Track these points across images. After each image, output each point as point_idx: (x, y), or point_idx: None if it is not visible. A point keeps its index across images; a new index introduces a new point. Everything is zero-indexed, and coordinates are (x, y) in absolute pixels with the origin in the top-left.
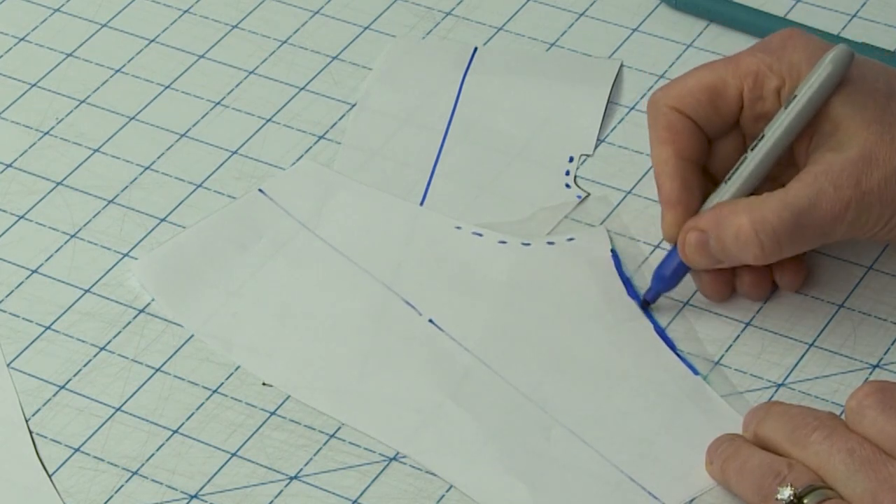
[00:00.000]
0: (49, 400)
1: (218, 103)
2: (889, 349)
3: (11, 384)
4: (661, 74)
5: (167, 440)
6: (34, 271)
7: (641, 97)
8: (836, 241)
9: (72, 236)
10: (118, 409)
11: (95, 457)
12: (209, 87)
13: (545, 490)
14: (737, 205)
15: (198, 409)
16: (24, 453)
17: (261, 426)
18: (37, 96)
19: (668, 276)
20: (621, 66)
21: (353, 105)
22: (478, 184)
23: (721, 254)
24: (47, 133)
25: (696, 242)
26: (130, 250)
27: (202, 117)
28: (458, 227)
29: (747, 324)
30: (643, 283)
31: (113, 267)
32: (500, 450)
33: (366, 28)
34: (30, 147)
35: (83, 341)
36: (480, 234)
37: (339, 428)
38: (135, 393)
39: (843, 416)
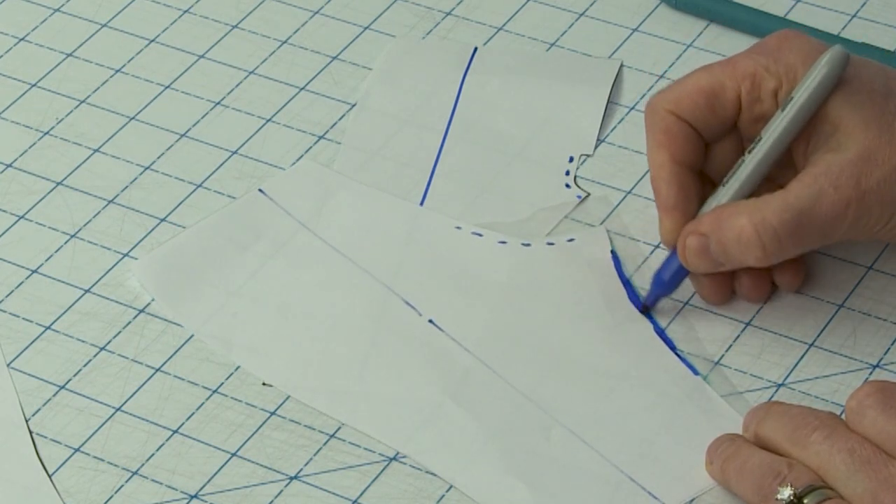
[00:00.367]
0: (49, 400)
1: (218, 103)
2: (889, 349)
3: (11, 384)
4: (661, 74)
5: (167, 440)
6: (34, 271)
7: (641, 97)
8: (836, 242)
9: (72, 236)
10: (118, 409)
11: (95, 457)
12: (209, 87)
13: (545, 490)
14: (737, 207)
15: (198, 409)
16: (24, 453)
17: (261, 426)
18: (37, 96)
19: (668, 280)
20: (621, 66)
21: (353, 105)
22: (478, 184)
23: (722, 257)
24: (47, 133)
25: (697, 246)
26: (130, 250)
27: (202, 117)
28: (458, 228)
29: (747, 324)
30: (643, 283)
31: (113, 267)
32: (500, 450)
33: (366, 28)
34: (30, 147)
35: (83, 341)
36: (480, 235)
37: (339, 428)
38: (135, 393)
39: (843, 416)
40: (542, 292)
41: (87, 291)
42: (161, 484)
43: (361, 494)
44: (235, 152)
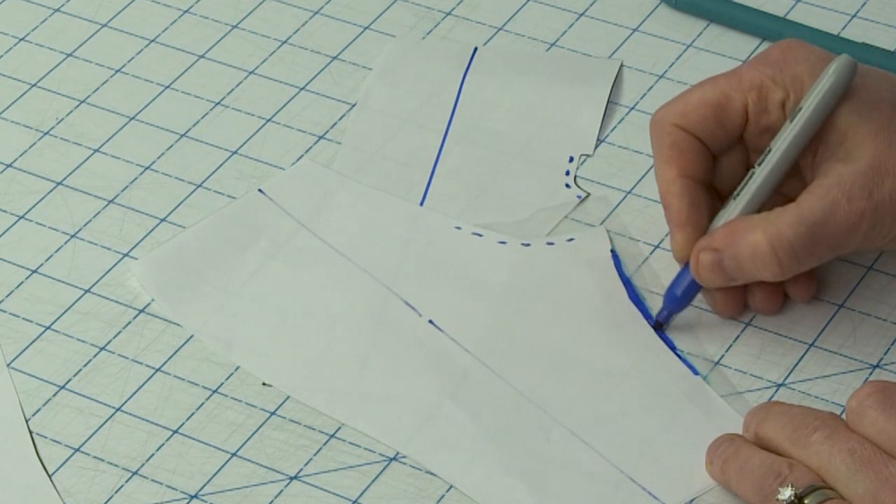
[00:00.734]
0: (49, 400)
1: (218, 103)
2: (889, 349)
3: (11, 384)
4: (661, 74)
5: (167, 440)
6: (34, 271)
7: (641, 97)
8: (849, 252)
9: (72, 236)
10: (118, 409)
11: (95, 457)
12: (209, 87)
13: (545, 490)
14: (750, 221)
15: (198, 409)
16: (24, 453)
17: (261, 426)
18: (37, 96)
19: (680, 296)
20: (621, 66)
21: (353, 105)
22: (478, 184)
23: (736, 272)
24: (47, 133)
25: (711, 262)
26: (130, 250)
27: (202, 117)
28: (458, 228)
29: (747, 324)
30: (643, 283)
31: (113, 267)
32: (500, 450)
33: (366, 28)
34: (30, 147)
35: (83, 341)
36: (480, 235)
37: (339, 428)
38: (135, 393)
39: (843, 416)
40: (542, 292)
41: (87, 291)
42: (161, 484)
43: (361, 494)
44: (235, 152)
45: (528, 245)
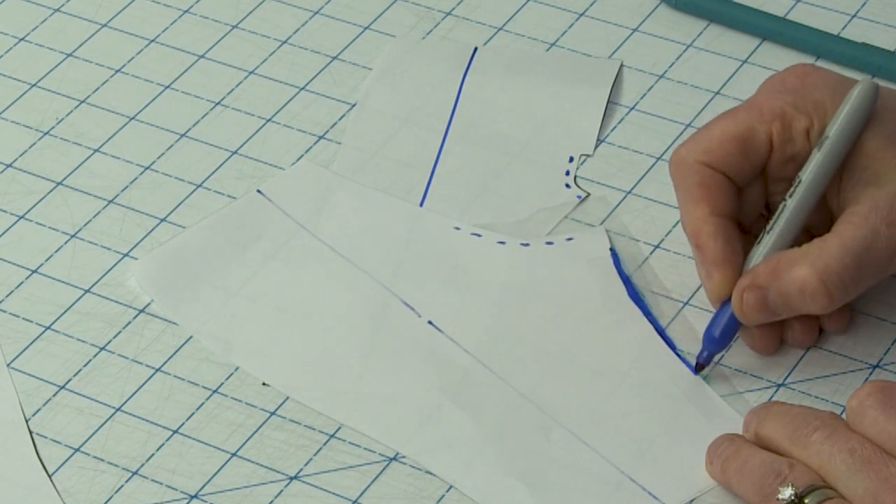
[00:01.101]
0: (49, 400)
1: (218, 103)
2: (889, 349)
3: (11, 384)
4: (661, 74)
5: (167, 440)
6: (34, 271)
7: (641, 97)
8: (887, 276)
9: (72, 236)
10: (118, 409)
11: (95, 457)
12: (209, 87)
13: (545, 490)
14: (793, 256)
15: (198, 409)
16: (24, 453)
17: (261, 426)
18: (37, 96)
19: (720, 336)
20: (621, 66)
21: (353, 105)
22: (478, 184)
23: (782, 308)
24: (47, 133)
25: (756, 301)
26: (130, 250)
27: (202, 117)
28: (457, 228)
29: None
30: (643, 282)
31: (113, 267)
32: (500, 450)
33: (366, 28)
34: (30, 147)
35: (83, 341)
36: (479, 235)
37: (339, 428)
38: (135, 393)
39: (844, 416)
40: (542, 292)
41: (87, 291)
42: (161, 484)
43: (361, 494)
44: (235, 152)
45: (527, 245)
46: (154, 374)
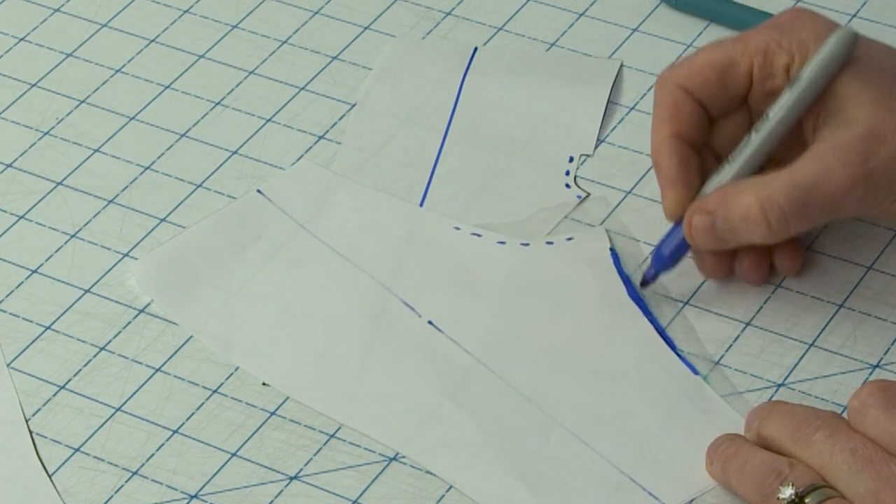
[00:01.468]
0: (49, 400)
1: (218, 103)
2: (889, 349)
3: (11, 384)
4: None
5: (167, 440)
6: (34, 271)
7: (641, 97)
8: (843, 218)
9: (72, 236)
10: (118, 409)
11: (95, 457)
12: (209, 87)
13: (545, 490)
14: (743, 184)
15: (198, 409)
16: (24, 453)
17: (261, 426)
18: (37, 96)
19: (668, 255)
20: (621, 66)
21: (353, 105)
22: (478, 184)
23: (728, 234)
24: (47, 133)
25: (703, 224)
26: (130, 250)
27: (202, 117)
28: (457, 228)
29: (747, 324)
30: None
31: (113, 267)
32: (500, 450)
33: (366, 28)
34: (30, 147)
35: (83, 341)
36: (479, 235)
37: (339, 428)
38: (135, 393)
39: (845, 416)
40: (542, 292)
41: (87, 291)
42: (161, 484)
43: (361, 494)
44: (235, 152)
45: (527, 245)
46: (154, 374)
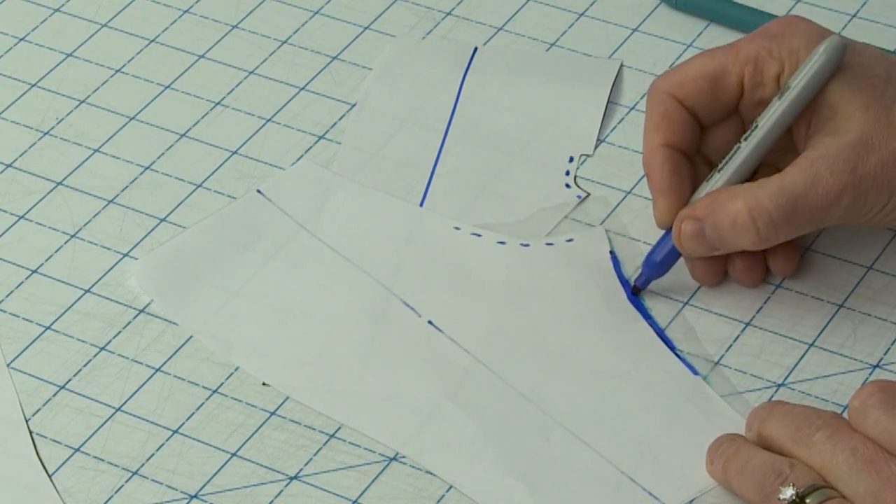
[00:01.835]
0: (49, 400)
1: (218, 103)
2: (889, 349)
3: (11, 384)
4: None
5: (167, 440)
6: (34, 271)
7: (641, 97)
8: (831, 225)
9: (72, 236)
10: (118, 409)
11: (95, 457)
12: (209, 87)
13: (545, 490)
14: (732, 191)
15: (198, 409)
16: (24, 453)
17: (261, 426)
18: (37, 96)
19: (659, 262)
20: (621, 66)
21: (353, 105)
22: (478, 184)
23: (717, 241)
24: (47, 133)
25: (692, 231)
26: (130, 250)
27: (202, 117)
28: (457, 228)
29: (747, 324)
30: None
31: (113, 267)
32: (500, 450)
33: (366, 28)
34: (30, 147)
35: (83, 341)
36: (479, 235)
37: (339, 428)
38: (135, 393)
39: (846, 416)
40: (542, 293)
41: (87, 291)
42: (161, 484)
43: (361, 494)
44: (235, 152)
45: (527, 245)
46: (154, 374)
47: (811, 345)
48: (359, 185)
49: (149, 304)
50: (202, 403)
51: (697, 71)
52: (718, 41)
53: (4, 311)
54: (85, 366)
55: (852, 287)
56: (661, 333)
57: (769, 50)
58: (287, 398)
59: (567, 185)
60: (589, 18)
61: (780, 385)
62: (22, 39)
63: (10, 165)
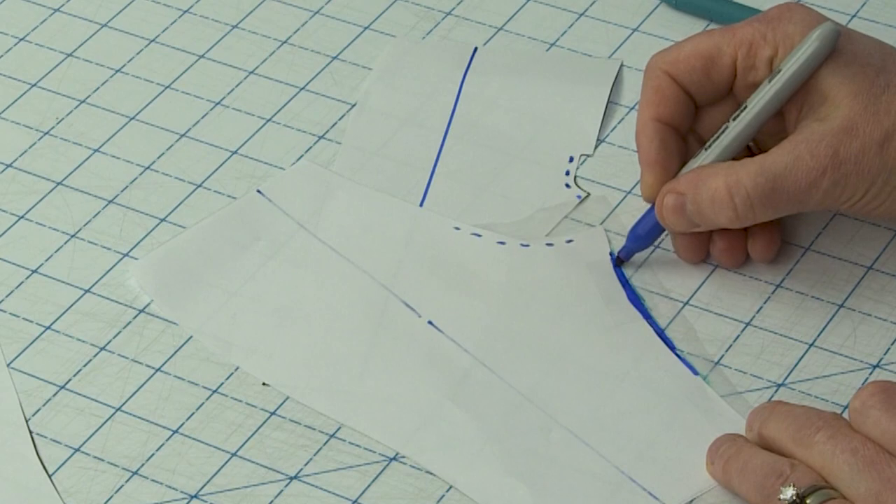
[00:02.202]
0: (49, 400)
1: (218, 103)
2: (889, 349)
3: (11, 384)
4: None
5: (167, 440)
6: (34, 271)
7: None
8: (812, 210)
9: (72, 236)
10: (118, 409)
11: (95, 457)
12: (209, 87)
13: (545, 490)
14: (715, 168)
15: (198, 409)
16: (24, 453)
17: (261, 426)
18: (37, 96)
19: (643, 235)
20: (621, 66)
21: (353, 105)
22: (478, 184)
23: (697, 216)
24: (47, 133)
25: (674, 204)
26: (130, 250)
27: (202, 117)
28: (457, 228)
29: (747, 324)
30: (642, 283)
31: (113, 267)
32: (500, 450)
33: (366, 28)
34: (30, 147)
35: (83, 341)
36: (479, 235)
37: (339, 428)
38: (135, 393)
39: (847, 416)
40: (541, 293)
41: (87, 291)
42: (161, 484)
43: (361, 494)
44: (235, 152)
45: (526, 246)
46: (154, 374)
47: (811, 345)
48: (359, 185)
49: (149, 304)
50: (202, 403)
51: (692, 49)
52: None
53: (4, 311)
54: (85, 366)
55: (852, 287)
56: (661, 333)
57: (764, 34)
58: (287, 398)
59: (567, 185)
60: (589, 18)
61: (780, 385)
62: (22, 39)
63: (10, 165)
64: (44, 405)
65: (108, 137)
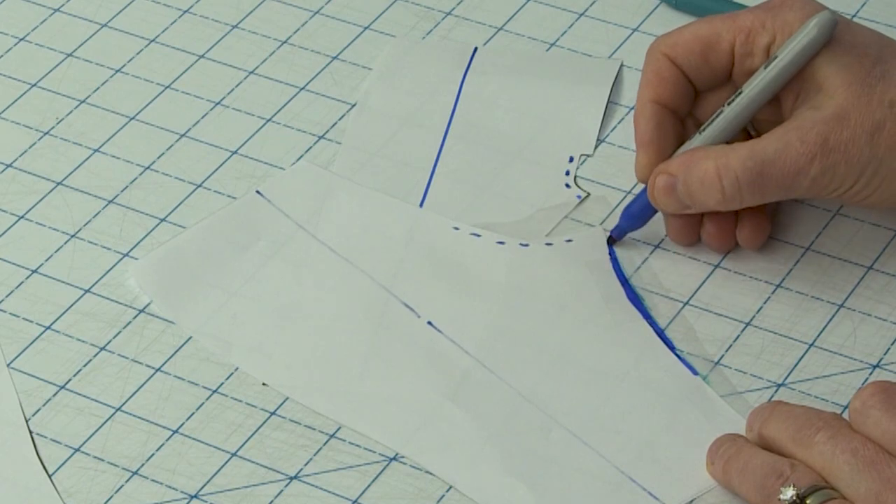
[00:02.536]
0: (49, 400)
1: (218, 103)
2: (889, 349)
3: (11, 384)
4: None
5: (167, 440)
6: (34, 271)
7: None
8: (801, 197)
9: (72, 236)
10: (118, 409)
11: (95, 457)
12: (209, 87)
13: (545, 491)
14: (707, 150)
15: (198, 409)
16: (24, 453)
17: (261, 426)
18: (37, 96)
19: (636, 215)
20: (621, 66)
21: (353, 105)
22: (478, 184)
23: (687, 198)
24: (47, 133)
25: (665, 185)
26: (130, 250)
27: (202, 117)
28: (457, 228)
29: (747, 324)
30: (642, 283)
31: (113, 267)
32: (500, 450)
33: (366, 28)
34: (30, 147)
35: (83, 341)
36: (479, 235)
37: (339, 428)
38: (135, 393)
39: (847, 416)
40: (541, 293)
41: (87, 291)
42: (161, 484)
43: (361, 494)
44: (235, 152)
45: (526, 246)
46: (154, 374)
47: (811, 345)
48: (359, 185)
49: (149, 304)
50: (202, 403)
51: (692, 34)
52: None
53: (4, 311)
54: (85, 366)
55: (852, 287)
56: (661, 333)
57: (763, 21)
58: (287, 398)
59: (567, 185)
60: (589, 18)
61: (780, 385)
62: (22, 39)
63: (10, 165)
64: (44, 405)
65: (108, 137)
